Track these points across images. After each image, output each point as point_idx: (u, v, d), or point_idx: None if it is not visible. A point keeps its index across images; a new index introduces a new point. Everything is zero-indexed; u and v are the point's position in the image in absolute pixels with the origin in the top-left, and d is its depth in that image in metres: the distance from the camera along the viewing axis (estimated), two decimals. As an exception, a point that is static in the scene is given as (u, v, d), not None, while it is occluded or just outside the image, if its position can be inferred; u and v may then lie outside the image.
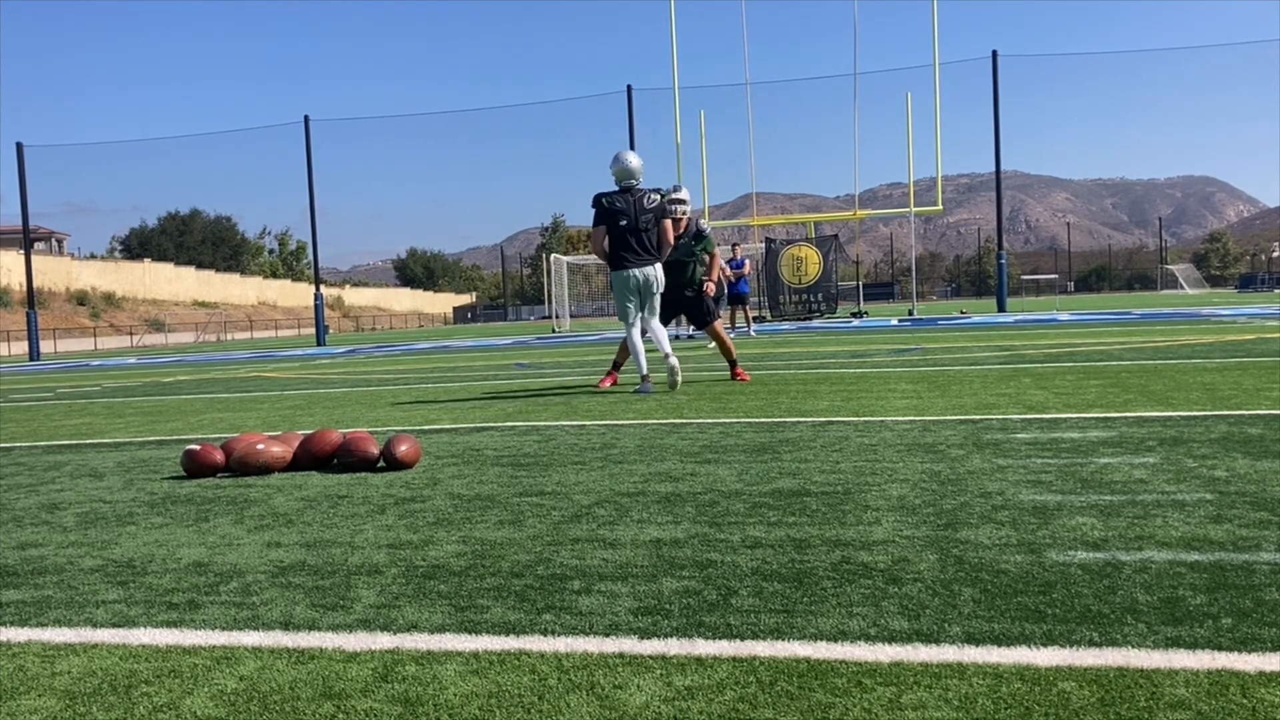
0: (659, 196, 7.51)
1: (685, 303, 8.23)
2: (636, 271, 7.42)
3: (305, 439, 4.46)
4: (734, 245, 19.25)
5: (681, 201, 8.08)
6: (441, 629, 2.14)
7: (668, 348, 7.41)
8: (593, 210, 7.47)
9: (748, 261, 18.27)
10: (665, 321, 8.13)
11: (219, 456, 4.39)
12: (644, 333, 7.67)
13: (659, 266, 7.51)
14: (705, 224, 8.16)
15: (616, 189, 7.49)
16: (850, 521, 2.94)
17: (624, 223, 7.36)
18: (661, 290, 7.56)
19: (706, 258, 8.19)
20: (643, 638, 2.03)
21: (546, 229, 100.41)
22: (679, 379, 7.26)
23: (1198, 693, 1.65)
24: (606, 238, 7.45)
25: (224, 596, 2.47)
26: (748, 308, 18.32)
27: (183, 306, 65.38)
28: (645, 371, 7.41)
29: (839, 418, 5.36)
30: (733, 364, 8.14)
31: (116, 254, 77.17)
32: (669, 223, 7.53)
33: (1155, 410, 5.11)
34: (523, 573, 2.56)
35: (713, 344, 14.80)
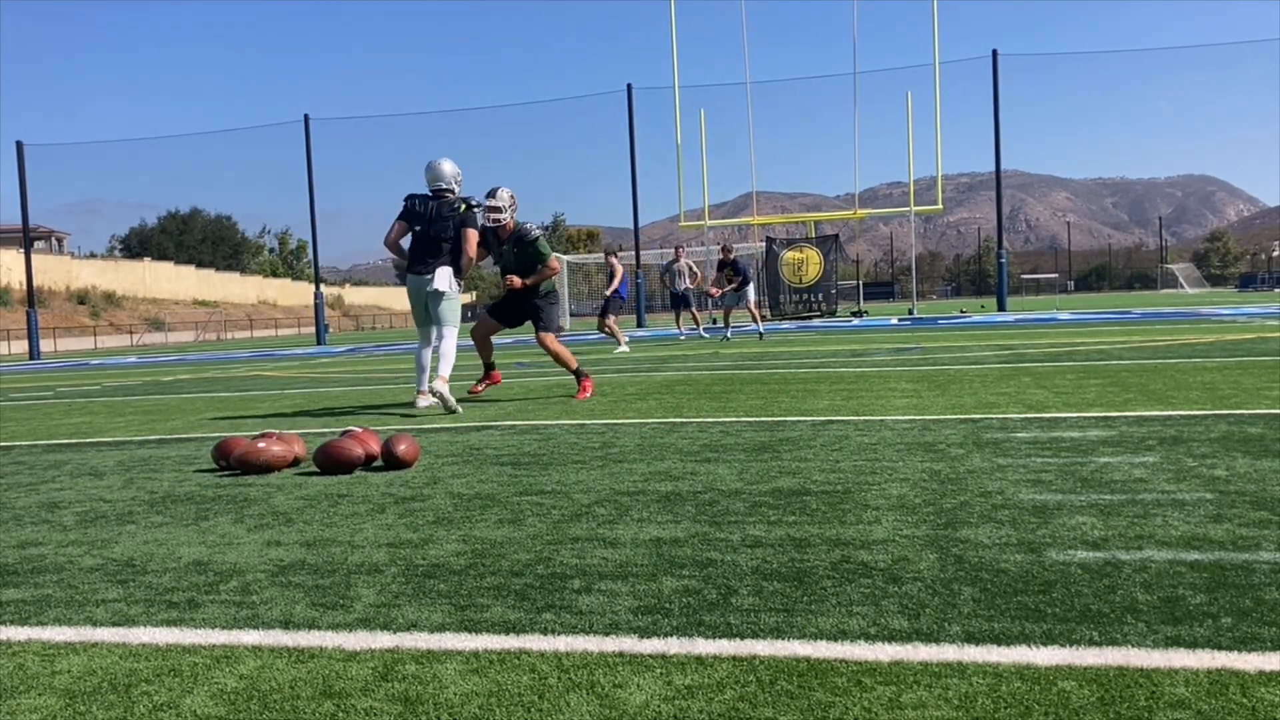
0: (465, 203, 6.98)
1: (525, 311, 7.49)
2: (415, 279, 7.00)
3: (327, 447, 4.31)
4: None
5: (495, 210, 7.23)
6: (441, 628, 2.14)
7: (443, 371, 6.74)
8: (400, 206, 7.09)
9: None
10: (512, 325, 7.60)
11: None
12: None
13: (442, 272, 6.91)
14: (533, 228, 7.33)
15: (429, 193, 7.07)
16: (850, 521, 2.94)
17: (418, 228, 7.00)
18: (448, 294, 6.94)
19: (540, 265, 7.31)
20: (643, 637, 2.03)
21: (546, 228, 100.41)
22: (452, 407, 6.56)
23: (1198, 692, 1.65)
24: (405, 237, 7.09)
25: (224, 595, 2.47)
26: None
27: (183, 305, 65.38)
28: (422, 387, 6.96)
29: (839, 417, 5.36)
30: (577, 375, 7.37)
31: (116, 253, 77.17)
32: (471, 231, 6.96)
33: (1155, 409, 5.11)
34: (523, 572, 2.56)
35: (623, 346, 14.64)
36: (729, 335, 17.05)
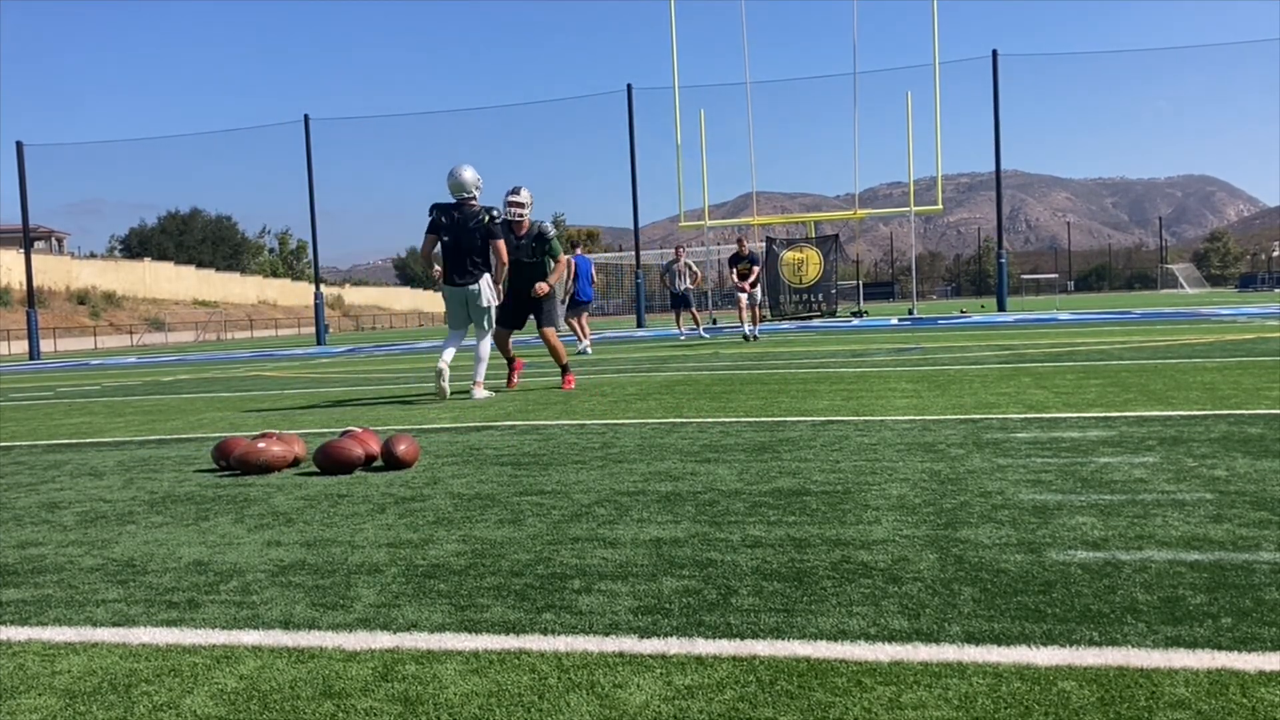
0: (488, 214, 7.47)
1: (530, 305, 8.19)
2: (455, 289, 7.56)
3: (327, 447, 4.30)
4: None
5: (519, 205, 7.96)
6: (441, 628, 2.14)
7: (479, 376, 7.55)
8: (428, 218, 7.56)
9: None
10: (519, 325, 8.27)
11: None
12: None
13: (484, 283, 7.53)
14: (549, 227, 8.11)
15: (454, 201, 7.54)
16: (850, 521, 2.94)
17: (446, 239, 7.47)
18: (488, 305, 7.59)
19: (551, 261, 8.08)
20: (643, 637, 2.03)
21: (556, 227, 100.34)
22: (446, 394, 7.51)
23: (1198, 692, 1.65)
24: (436, 248, 7.58)
25: (224, 595, 2.47)
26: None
27: (183, 305, 65.38)
28: (479, 378, 7.50)
29: (839, 417, 5.36)
30: (564, 369, 8.19)
31: (116, 253, 77.16)
32: (500, 243, 7.51)
33: (1155, 410, 5.11)
34: (523, 572, 2.56)
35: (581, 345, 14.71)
36: (755, 334, 16.10)
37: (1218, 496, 3.05)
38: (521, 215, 7.95)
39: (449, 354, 7.53)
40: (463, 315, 7.68)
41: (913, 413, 5.40)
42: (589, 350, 14.53)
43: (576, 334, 15.43)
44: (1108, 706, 1.61)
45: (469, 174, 7.48)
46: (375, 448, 4.38)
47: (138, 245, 77.45)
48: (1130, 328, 14.33)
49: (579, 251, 17.26)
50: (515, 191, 7.97)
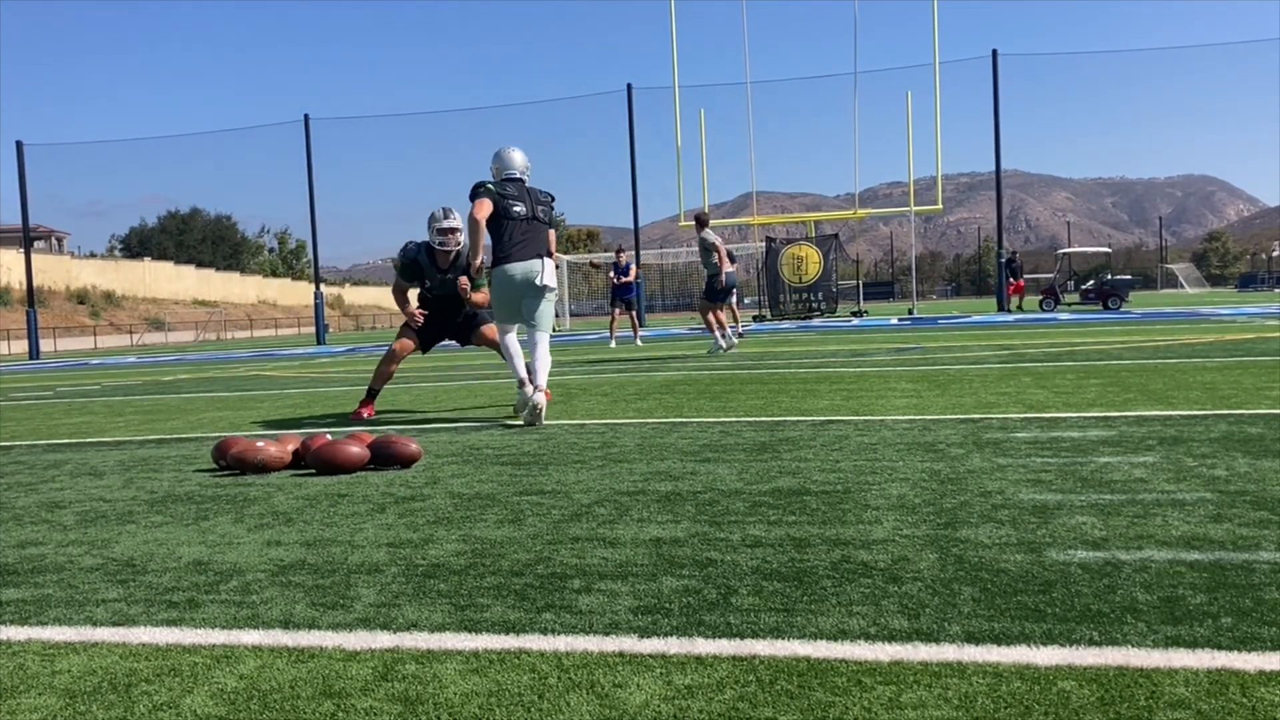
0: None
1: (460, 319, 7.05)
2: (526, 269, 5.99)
3: (326, 448, 4.29)
4: (619, 250, 18.47)
5: (452, 230, 6.63)
6: (441, 628, 2.14)
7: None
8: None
9: (633, 267, 17.82)
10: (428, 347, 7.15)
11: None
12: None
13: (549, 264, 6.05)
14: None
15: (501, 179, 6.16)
16: (850, 520, 2.94)
17: (519, 210, 5.99)
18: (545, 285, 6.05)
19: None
20: (643, 636, 2.03)
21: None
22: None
23: (1197, 692, 1.65)
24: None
25: (224, 595, 2.47)
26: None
27: (183, 305, 65.37)
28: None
29: (839, 416, 5.36)
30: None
31: (116, 253, 77.16)
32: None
33: (1155, 409, 5.11)
34: (523, 571, 2.56)
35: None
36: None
37: (1218, 496, 3.05)
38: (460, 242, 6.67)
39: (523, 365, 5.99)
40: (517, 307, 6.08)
41: (913, 412, 5.40)
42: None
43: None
44: (1108, 706, 1.61)
45: (521, 155, 6.22)
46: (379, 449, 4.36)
47: (138, 245, 77.45)
48: (1130, 327, 14.33)
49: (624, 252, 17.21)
50: (448, 214, 6.66)
